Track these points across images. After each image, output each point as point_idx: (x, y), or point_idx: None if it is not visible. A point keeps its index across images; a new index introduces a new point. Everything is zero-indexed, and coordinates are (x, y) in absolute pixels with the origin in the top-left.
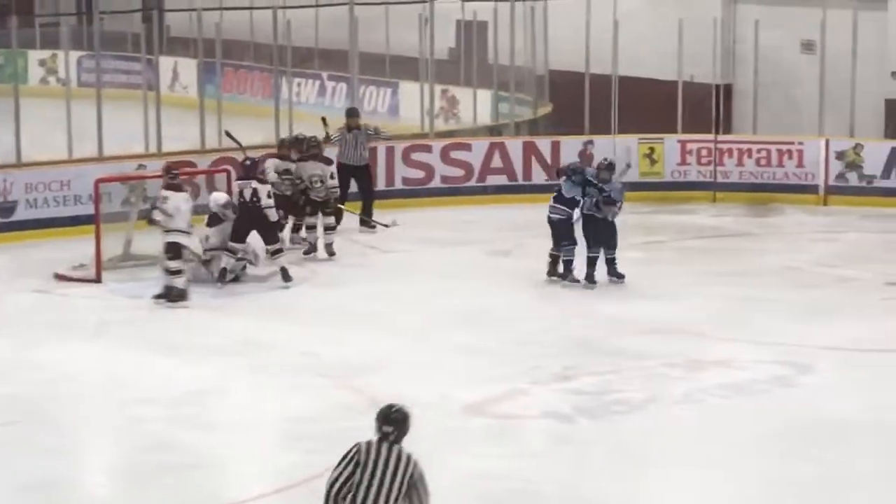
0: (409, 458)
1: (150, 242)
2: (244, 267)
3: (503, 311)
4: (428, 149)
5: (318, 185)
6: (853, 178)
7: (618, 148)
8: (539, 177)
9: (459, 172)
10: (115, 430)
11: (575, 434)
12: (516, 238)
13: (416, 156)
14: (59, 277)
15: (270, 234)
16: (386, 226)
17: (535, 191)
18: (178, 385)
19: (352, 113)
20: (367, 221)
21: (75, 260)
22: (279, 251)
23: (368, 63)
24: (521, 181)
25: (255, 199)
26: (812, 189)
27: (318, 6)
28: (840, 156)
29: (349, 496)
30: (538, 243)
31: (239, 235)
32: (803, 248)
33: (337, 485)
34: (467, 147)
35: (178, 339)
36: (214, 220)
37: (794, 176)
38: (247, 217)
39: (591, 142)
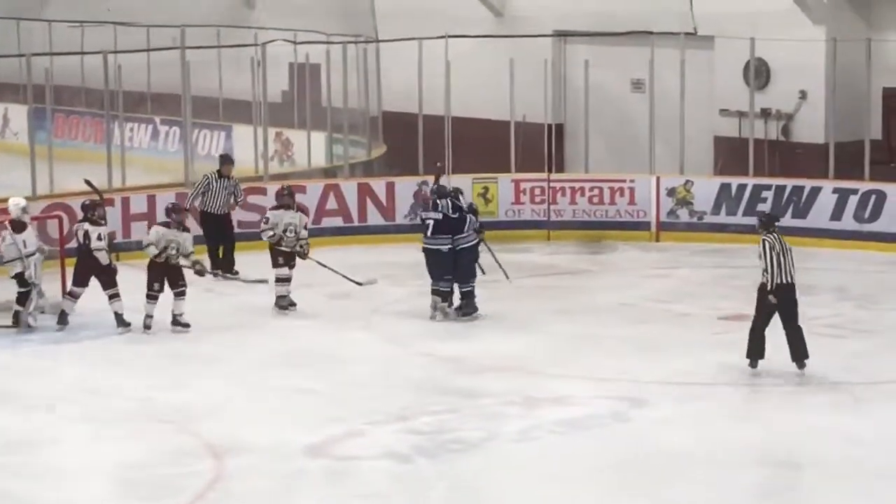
0: None
1: None
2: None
3: (341, 352)
4: (263, 192)
5: (291, 234)
6: (684, 215)
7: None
8: (375, 218)
9: None
10: None
11: (413, 473)
12: None
13: (250, 199)
14: None
15: (105, 277)
16: (359, 283)
17: (371, 232)
18: (9, 433)
19: (226, 160)
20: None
21: None
22: (115, 296)
23: (201, 107)
24: (356, 223)
25: (86, 240)
26: (644, 226)
27: (149, 50)
28: (671, 192)
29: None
30: (375, 285)
31: (79, 279)
32: (636, 284)
33: (775, 261)
34: (302, 189)
35: (12, 385)
36: (19, 226)
37: (626, 213)
38: (83, 259)
39: (425, 182)
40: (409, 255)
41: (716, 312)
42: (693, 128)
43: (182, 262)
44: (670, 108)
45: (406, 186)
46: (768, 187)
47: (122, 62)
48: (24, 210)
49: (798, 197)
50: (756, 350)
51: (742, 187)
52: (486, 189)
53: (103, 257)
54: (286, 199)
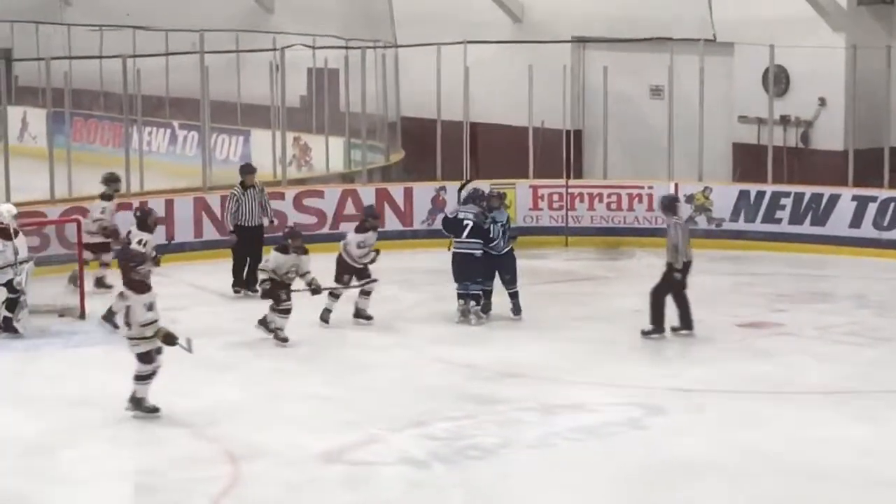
0: None
1: None
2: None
3: (358, 357)
4: (281, 196)
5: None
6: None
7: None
8: (392, 224)
9: (312, 220)
10: None
11: (430, 480)
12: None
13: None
14: None
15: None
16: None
17: (389, 237)
18: (30, 437)
19: (247, 170)
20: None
21: None
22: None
23: (220, 111)
24: None
25: (127, 238)
26: (662, 232)
27: (167, 54)
28: (689, 199)
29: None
30: (391, 289)
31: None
32: None
33: (682, 241)
34: (320, 194)
35: (30, 390)
36: (4, 233)
37: (644, 219)
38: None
39: (443, 188)
40: (427, 261)
41: (733, 320)
42: (712, 134)
43: (296, 284)
44: (689, 114)
45: (424, 192)
46: (787, 194)
47: (140, 66)
48: (16, 217)
49: (817, 204)
50: (659, 317)
51: (761, 194)
52: (504, 195)
53: None
54: (375, 223)
